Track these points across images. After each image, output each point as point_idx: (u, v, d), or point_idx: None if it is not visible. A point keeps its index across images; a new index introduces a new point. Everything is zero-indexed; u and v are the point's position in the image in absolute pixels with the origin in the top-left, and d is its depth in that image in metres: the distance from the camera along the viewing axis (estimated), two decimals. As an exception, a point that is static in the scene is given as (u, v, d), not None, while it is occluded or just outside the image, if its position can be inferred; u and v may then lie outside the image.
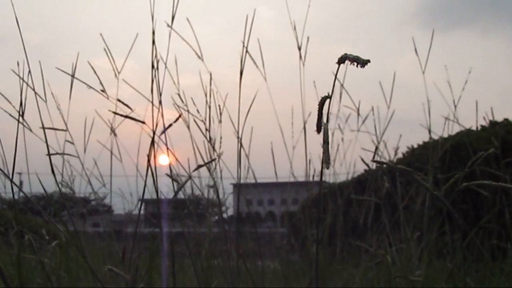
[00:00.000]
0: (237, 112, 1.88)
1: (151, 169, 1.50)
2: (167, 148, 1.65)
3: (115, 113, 1.58)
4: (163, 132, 1.57)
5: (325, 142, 0.70)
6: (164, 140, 1.64)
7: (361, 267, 2.35)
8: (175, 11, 1.72)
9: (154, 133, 1.51)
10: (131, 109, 1.64)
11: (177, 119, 1.54)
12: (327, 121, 0.74)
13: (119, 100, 1.64)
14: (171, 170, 1.72)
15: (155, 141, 1.56)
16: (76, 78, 1.95)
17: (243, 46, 1.85)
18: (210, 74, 2.01)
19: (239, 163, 1.88)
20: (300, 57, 2.21)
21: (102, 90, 1.73)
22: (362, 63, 0.69)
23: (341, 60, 0.71)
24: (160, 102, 1.64)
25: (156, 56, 1.65)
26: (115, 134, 2.26)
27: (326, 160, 0.70)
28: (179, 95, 1.99)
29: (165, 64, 1.84)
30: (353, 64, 0.70)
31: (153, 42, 1.64)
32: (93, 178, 2.50)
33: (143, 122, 1.52)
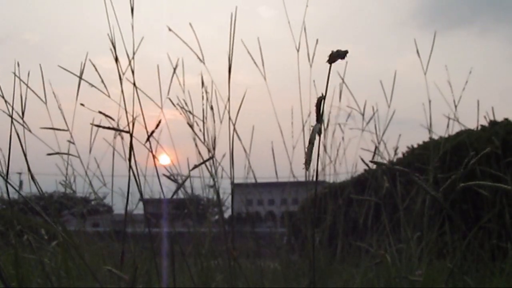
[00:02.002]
0: (233, 112, 1.88)
1: (133, 171, 1.50)
2: (153, 156, 1.65)
3: (97, 125, 1.59)
4: (147, 140, 1.56)
5: (310, 142, 0.70)
6: (152, 146, 1.64)
7: (361, 267, 2.35)
8: (133, 3, 1.71)
9: (131, 136, 1.50)
10: (113, 119, 1.65)
11: (157, 126, 1.54)
12: (318, 121, 0.73)
13: (100, 112, 1.63)
14: (157, 171, 1.71)
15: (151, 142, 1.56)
16: (83, 79, 1.95)
17: (230, 41, 1.82)
18: (201, 76, 2.01)
19: (232, 162, 1.87)
20: (298, 57, 2.21)
21: (82, 104, 1.73)
22: (342, 55, 0.70)
23: (331, 59, 0.71)
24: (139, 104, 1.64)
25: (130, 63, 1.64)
26: (122, 137, 2.26)
27: (307, 161, 0.69)
28: (169, 99, 1.99)
29: (160, 65, 1.85)
30: (338, 61, 0.71)
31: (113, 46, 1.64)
32: (94, 178, 2.50)
33: (128, 132, 1.51)
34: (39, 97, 1.89)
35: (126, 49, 1.68)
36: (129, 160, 1.47)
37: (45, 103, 1.95)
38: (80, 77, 1.95)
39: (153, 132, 1.54)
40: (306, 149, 0.70)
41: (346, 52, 0.71)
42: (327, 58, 0.72)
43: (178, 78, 2.11)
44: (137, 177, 1.53)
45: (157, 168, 1.73)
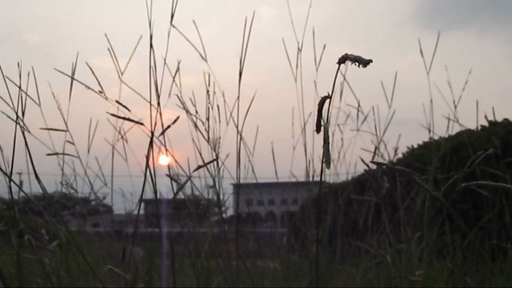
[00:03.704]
0: (237, 113, 1.88)
1: (150, 170, 1.50)
2: (166, 149, 1.65)
3: (113, 115, 1.58)
4: (162, 133, 1.57)
5: (326, 142, 0.71)
6: (163, 141, 1.64)
7: (361, 267, 2.36)
8: (175, 9, 1.73)
9: (152, 134, 1.51)
10: (129, 110, 1.64)
11: (175, 121, 1.54)
12: (327, 121, 0.74)
13: (117, 102, 1.64)
14: (169, 170, 1.72)
15: (154, 142, 1.56)
16: (75, 80, 1.95)
17: (242, 48, 1.85)
18: (209, 75, 2.01)
19: (238, 163, 1.88)
20: (300, 57, 2.21)
21: (100, 91, 1.73)
22: (364, 63, 0.69)
23: (341, 60, 0.71)
24: (158, 103, 1.64)
25: (154, 60, 1.65)
26: (126, 140, 2.26)
27: (326, 160, 0.70)
28: (178, 96, 1.99)
29: (165, 64, 1.85)
30: (355, 64, 0.70)
31: (151, 46, 1.65)
32: (94, 178, 2.50)
33: (142, 124, 1.51)
34: (32, 99, 1.88)
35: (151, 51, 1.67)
36: (147, 158, 1.47)
37: (39, 105, 1.94)
38: (72, 78, 1.95)
39: (169, 127, 1.55)
40: (323, 150, 0.70)
41: (369, 60, 0.69)
42: (338, 59, 0.71)
43: (179, 78, 2.11)
44: (153, 176, 1.53)
45: (167, 168, 1.73)
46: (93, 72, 1.91)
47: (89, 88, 1.80)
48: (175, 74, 1.94)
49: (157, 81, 1.66)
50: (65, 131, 2.08)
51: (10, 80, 1.50)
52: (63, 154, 2.10)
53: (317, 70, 2.20)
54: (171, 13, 1.72)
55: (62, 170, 2.30)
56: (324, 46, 2.21)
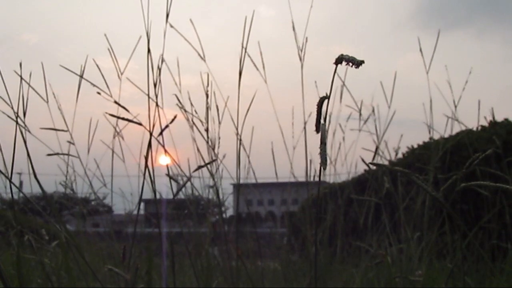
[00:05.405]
0: (236, 112, 1.88)
1: (149, 170, 1.50)
2: (165, 150, 1.65)
3: (112, 115, 1.58)
4: (161, 133, 1.56)
5: (323, 143, 0.71)
6: (162, 141, 1.64)
7: (361, 267, 2.35)
8: (169, 9, 1.72)
9: (151, 134, 1.51)
10: (128, 111, 1.64)
11: (172, 120, 1.54)
12: (325, 121, 0.74)
13: (116, 102, 1.64)
14: (168, 171, 1.71)
15: (153, 142, 1.56)
16: (84, 79, 1.95)
17: (242, 47, 1.85)
18: (208, 75, 2.01)
19: (238, 164, 1.88)
20: (300, 57, 2.21)
21: (98, 93, 1.73)
22: (357, 63, 0.70)
23: (338, 61, 0.72)
24: (156, 104, 1.64)
25: (151, 61, 1.66)
26: (122, 137, 2.26)
27: (323, 161, 0.70)
28: (176, 95, 1.98)
29: (165, 65, 1.85)
30: (349, 65, 0.71)
31: (148, 50, 1.65)
32: (94, 178, 2.50)
33: (140, 124, 1.51)
34: (41, 97, 1.89)
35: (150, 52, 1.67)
36: (146, 158, 1.47)
37: (47, 102, 1.96)
38: (81, 76, 1.95)
39: (167, 126, 1.54)
40: (320, 150, 0.71)
41: (362, 61, 0.70)
42: (334, 60, 0.72)
43: (178, 78, 2.11)
44: (152, 176, 1.53)
45: (166, 167, 1.73)
46: (100, 70, 1.91)
47: (94, 85, 1.80)
48: (179, 73, 1.94)
49: (156, 81, 1.66)
50: (65, 131, 2.08)
51: (18, 74, 1.50)
52: (63, 154, 2.10)
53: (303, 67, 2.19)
54: (166, 13, 1.72)
55: (66, 170, 2.30)
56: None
